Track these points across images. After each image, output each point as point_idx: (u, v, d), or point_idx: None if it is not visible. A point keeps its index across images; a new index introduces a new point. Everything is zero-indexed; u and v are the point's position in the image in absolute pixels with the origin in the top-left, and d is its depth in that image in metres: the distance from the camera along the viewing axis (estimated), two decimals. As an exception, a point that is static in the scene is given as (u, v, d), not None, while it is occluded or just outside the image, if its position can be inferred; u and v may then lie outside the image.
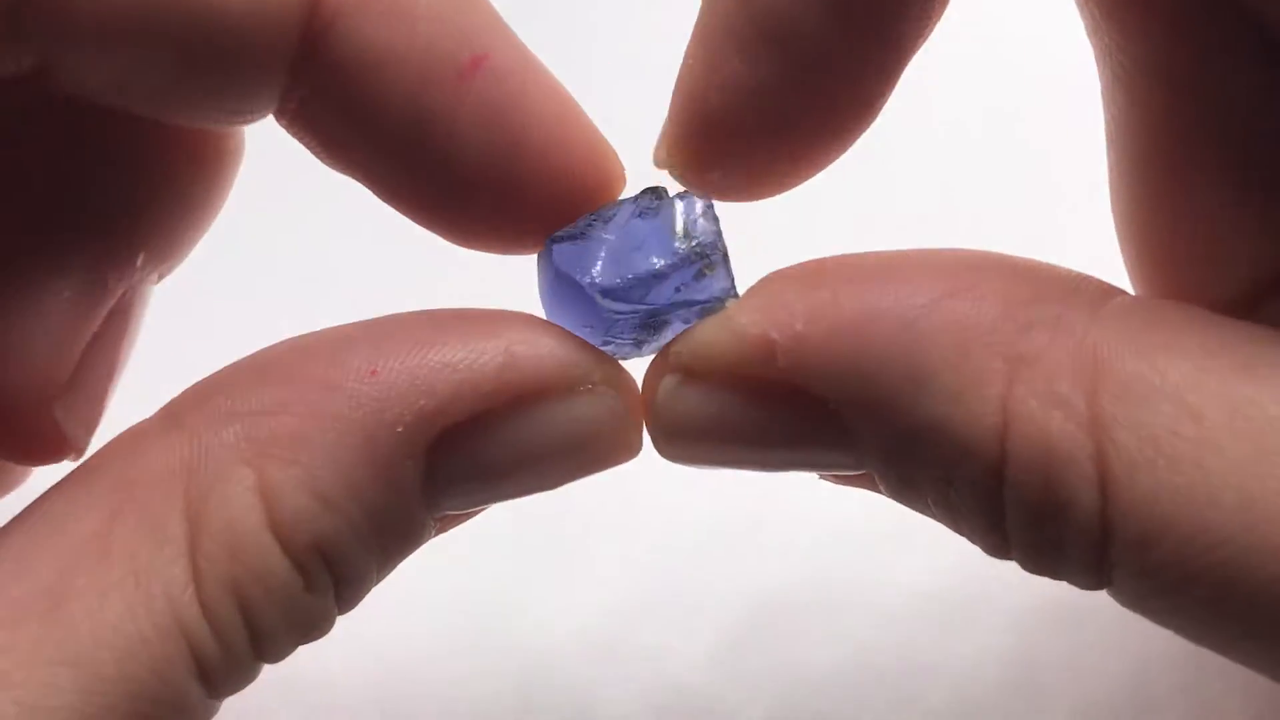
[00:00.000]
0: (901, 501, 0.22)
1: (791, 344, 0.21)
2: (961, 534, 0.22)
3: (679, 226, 0.22)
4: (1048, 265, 0.21)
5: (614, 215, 0.23)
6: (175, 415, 0.22)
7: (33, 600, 0.20)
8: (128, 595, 0.20)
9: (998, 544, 0.21)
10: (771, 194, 0.23)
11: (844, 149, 0.22)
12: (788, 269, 0.22)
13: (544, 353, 0.22)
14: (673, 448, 0.23)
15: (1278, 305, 0.23)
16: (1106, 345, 0.19)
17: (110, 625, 0.20)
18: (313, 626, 0.22)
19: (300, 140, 0.23)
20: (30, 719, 0.19)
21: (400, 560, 0.23)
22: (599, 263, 0.22)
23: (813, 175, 0.23)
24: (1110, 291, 0.21)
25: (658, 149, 0.23)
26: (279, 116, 0.23)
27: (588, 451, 0.23)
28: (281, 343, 0.22)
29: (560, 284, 0.23)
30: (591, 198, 0.23)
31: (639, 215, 0.23)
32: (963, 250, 0.22)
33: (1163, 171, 0.23)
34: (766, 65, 0.21)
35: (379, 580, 0.23)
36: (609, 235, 0.23)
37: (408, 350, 0.21)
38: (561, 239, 0.23)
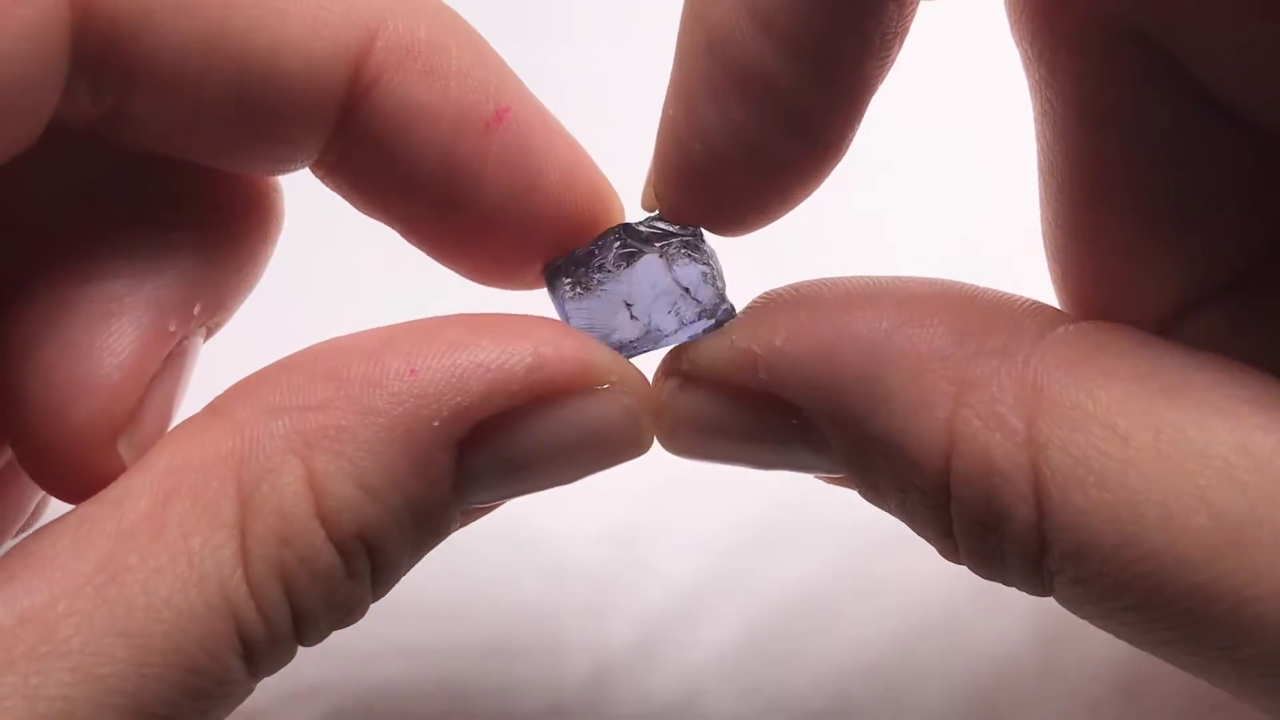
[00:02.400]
0: (872, 502, 0.24)
1: (771, 358, 0.23)
2: (921, 537, 0.23)
3: (686, 285, 0.25)
4: (1001, 295, 0.23)
5: (605, 261, 0.25)
6: (223, 409, 0.23)
7: (91, 574, 0.21)
8: (180, 573, 0.21)
9: (950, 549, 0.23)
10: (754, 229, 0.25)
11: (820, 183, 0.25)
12: (778, 290, 0.24)
13: (568, 355, 0.23)
14: (673, 442, 0.25)
15: (1192, 327, 0.24)
16: (1046, 372, 0.21)
17: (162, 600, 0.21)
18: (349, 611, 0.23)
19: (336, 190, 0.25)
20: (84, 686, 0.20)
21: (428, 550, 0.24)
22: (615, 331, 0.25)
23: (792, 209, 0.25)
24: (1056, 319, 0.23)
25: (645, 193, 0.25)
26: (317, 169, 0.25)
27: (604, 447, 0.24)
28: (323, 343, 0.24)
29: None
30: (596, 229, 0.25)
31: (627, 262, 0.25)
32: (926, 280, 0.24)
33: (1083, 202, 0.25)
34: (740, 112, 0.23)
35: (408, 569, 0.24)
36: (612, 288, 0.25)
37: (444, 351, 0.23)
38: (565, 285, 0.25)
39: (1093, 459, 0.20)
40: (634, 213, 0.26)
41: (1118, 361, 0.21)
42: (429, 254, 0.26)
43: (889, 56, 0.23)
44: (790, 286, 0.24)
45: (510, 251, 0.25)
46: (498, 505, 0.25)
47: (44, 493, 0.27)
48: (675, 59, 0.24)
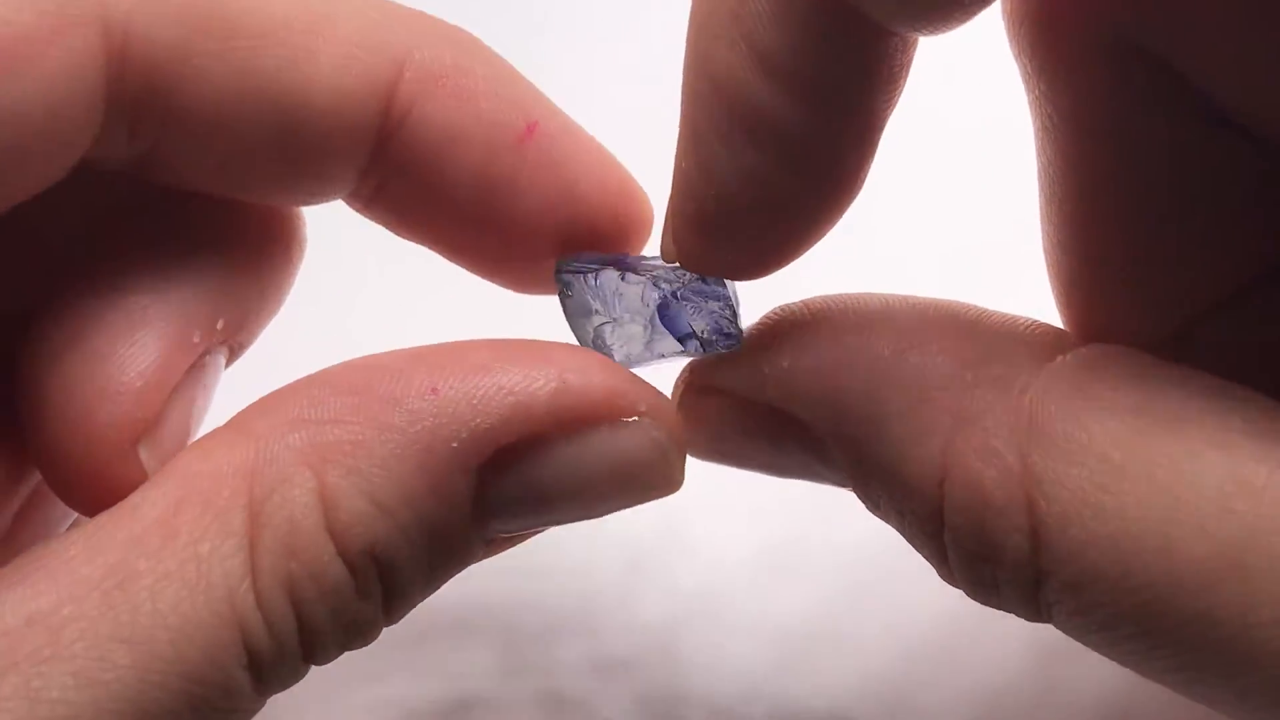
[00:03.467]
0: (877, 516, 0.24)
1: (778, 377, 0.23)
2: (921, 556, 0.23)
3: (699, 330, 0.25)
4: (1006, 318, 0.23)
5: (629, 297, 0.25)
6: (243, 423, 0.23)
7: (99, 579, 0.21)
8: (188, 581, 0.21)
9: (947, 573, 0.23)
10: (772, 271, 0.25)
11: (836, 220, 0.24)
12: (789, 306, 0.24)
13: (594, 382, 0.23)
14: (691, 447, 0.25)
15: (1198, 340, 0.24)
16: (1042, 405, 0.21)
17: (168, 607, 0.21)
18: (358, 632, 0.23)
19: (374, 219, 0.26)
20: (86, 691, 0.20)
21: (447, 578, 0.24)
22: (626, 347, 0.26)
23: (810, 248, 0.24)
24: (1058, 345, 0.22)
25: (664, 245, 0.25)
26: (354, 200, 0.25)
27: (632, 481, 0.24)
28: (349, 361, 0.24)
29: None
30: (630, 235, 0.26)
31: (660, 304, 0.25)
32: (933, 302, 0.24)
33: (1085, 218, 0.25)
34: (752, 158, 0.23)
35: (425, 596, 0.23)
36: (633, 324, 0.25)
37: (467, 372, 0.23)
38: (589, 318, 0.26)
39: (1089, 492, 0.20)
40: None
41: (1113, 393, 0.21)
42: (471, 271, 0.26)
43: (895, 90, 0.23)
44: (801, 303, 0.24)
45: (547, 258, 0.26)
46: (525, 537, 0.25)
47: (72, 516, 0.27)
48: (682, 107, 0.23)
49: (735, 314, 0.25)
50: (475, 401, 0.22)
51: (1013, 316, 0.23)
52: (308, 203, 0.26)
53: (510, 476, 0.23)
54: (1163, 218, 0.24)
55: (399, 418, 0.22)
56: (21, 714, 0.20)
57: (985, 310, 0.23)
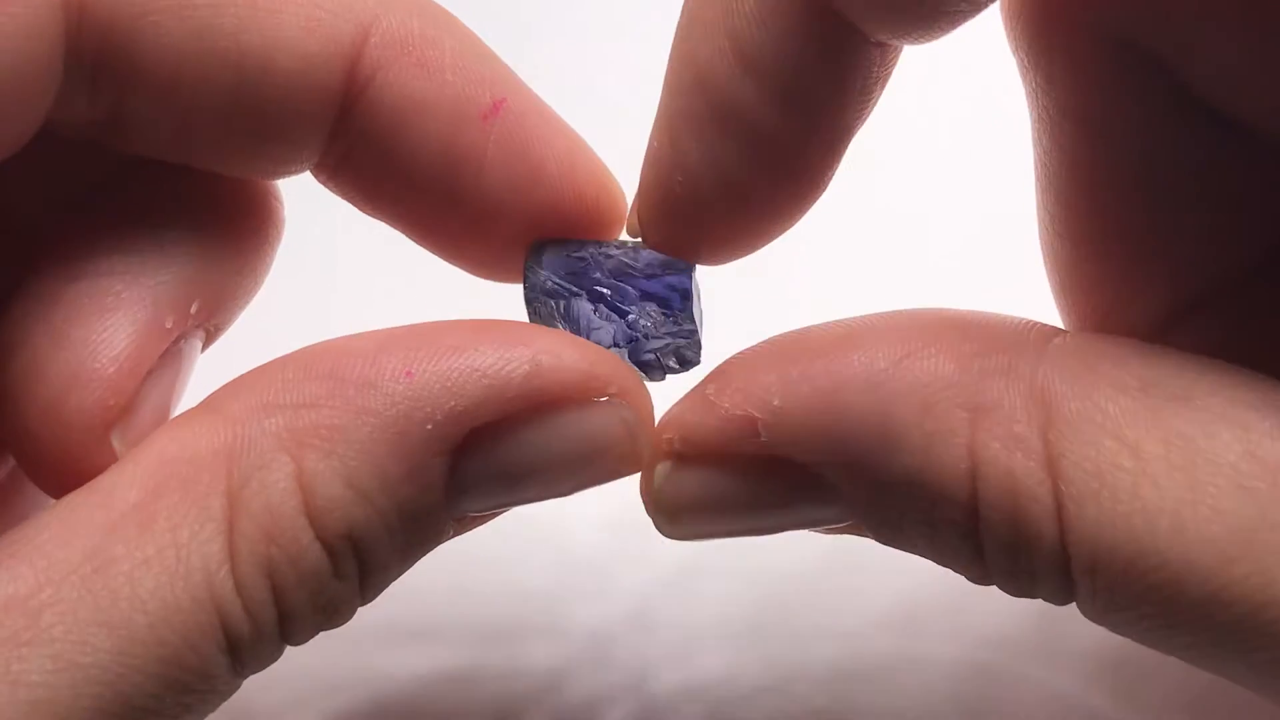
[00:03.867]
0: (890, 545, 0.23)
1: (771, 419, 0.22)
2: (946, 566, 0.23)
3: (664, 361, 0.26)
4: (993, 316, 0.23)
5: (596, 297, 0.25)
6: (217, 404, 0.23)
7: (77, 562, 0.21)
8: (167, 565, 0.21)
9: (980, 574, 0.23)
10: (733, 259, 0.25)
11: (798, 218, 0.25)
12: (757, 347, 0.24)
13: (567, 364, 0.23)
14: (674, 527, 0.24)
15: (1189, 331, 0.24)
16: (1053, 385, 0.21)
17: (148, 592, 0.21)
18: (335, 612, 0.23)
19: (339, 193, 0.25)
20: (65, 674, 0.20)
21: (419, 557, 0.24)
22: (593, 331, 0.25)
23: (771, 241, 0.25)
24: (1052, 333, 0.22)
25: (629, 221, 0.25)
26: (319, 172, 0.25)
27: (600, 461, 0.24)
28: (321, 343, 0.24)
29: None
30: (601, 220, 0.25)
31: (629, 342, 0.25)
32: (914, 311, 0.23)
33: (1080, 208, 0.25)
34: (721, 148, 0.23)
35: (398, 575, 0.24)
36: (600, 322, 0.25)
37: (441, 355, 0.23)
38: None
39: (1105, 472, 0.20)
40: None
41: (1121, 370, 0.21)
42: (434, 251, 0.26)
43: (869, 101, 0.23)
44: (765, 342, 0.24)
45: (514, 244, 0.25)
46: (493, 516, 0.25)
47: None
48: (662, 93, 0.24)
49: (697, 338, 0.25)
50: (449, 384, 0.23)
51: (997, 314, 0.23)
52: (275, 174, 0.25)
53: (482, 456, 0.23)
54: (1155, 207, 0.24)
55: (374, 401, 0.22)
56: (1, 698, 0.20)
57: (968, 310, 0.23)
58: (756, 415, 0.23)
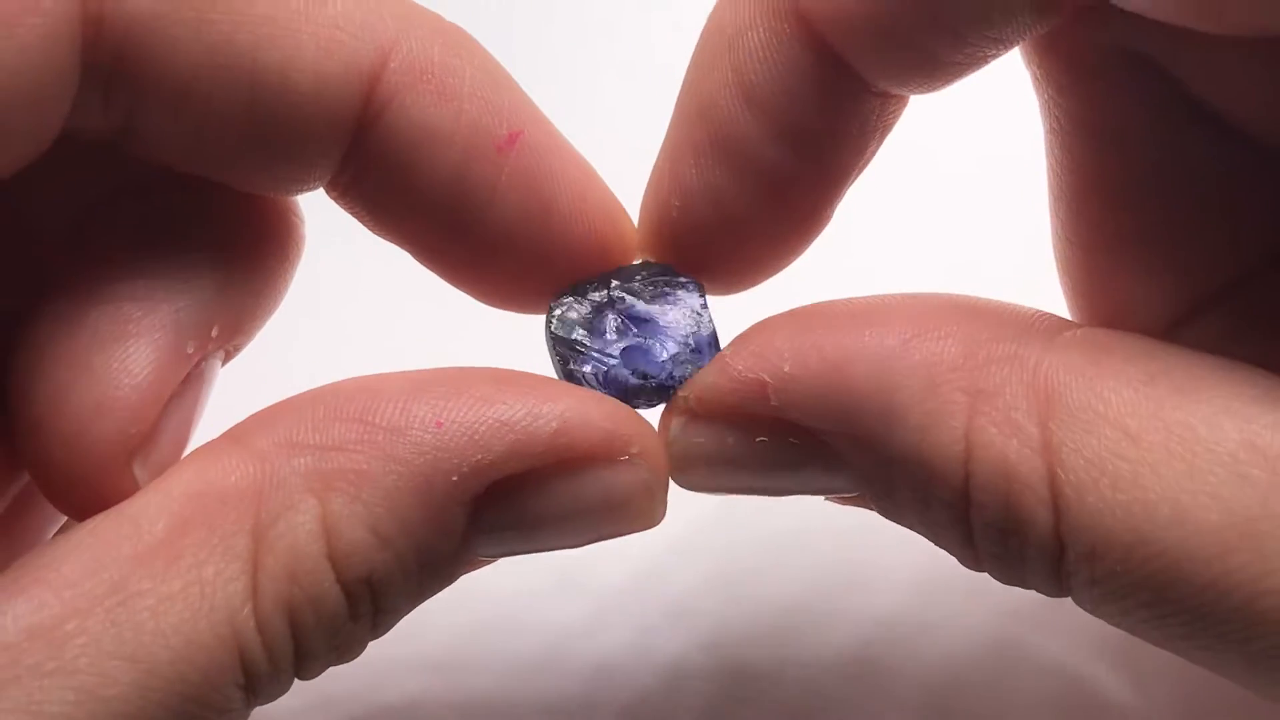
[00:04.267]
0: (891, 519, 0.24)
1: (781, 384, 0.23)
2: (941, 546, 0.24)
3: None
4: (1006, 305, 0.24)
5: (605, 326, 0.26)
6: (244, 438, 0.23)
7: (103, 594, 0.21)
8: (191, 602, 0.21)
9: (971, 558, 0.23)
10: (738, 290, 0.26)
11: (799, 252, 0.25)
12: (777, 316, 0.25)
13: (593, 423, 0.24)
14: (686, 478, 0.25)
15: (1196, 332, 0.25)
16: (1057, 376, 0.22)
17: (171, 627, 0.21)
18: (347, 650, 0.23)
19: (350, 211, 0.25)
20: (86, 706, 0.20)
21: (430, 596, 0.24)
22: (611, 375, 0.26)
23: (772, 275, 0.26)
24: (1062, 325, 0.23)
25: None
26: (330, 189, 0.25)
27: (617, 518, 0.25)
28: (351, 380, 0.24)
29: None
30: (610, 253, 0.26)
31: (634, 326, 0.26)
32: (930, 294, 0.24)
33: (1091, 215, 0.26)
34: (719, 178, 0.24)
35: (408, 612, 0.24)
36: (611, 359, 0.25)
37: (470, 406, 0.23)
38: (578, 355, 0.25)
39: (1106, 461, 0.21)
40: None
41: (1126, 364, 0.22)
42: (441, 276, 0.26)
43: (870, 146, 0.24)
44: (785, 312, 0.25)
45: (522, 275, 0.25)
46: (501, 557, 0.25)
47: (64, 517, 0.27)
48: (671, 119, 0.25)
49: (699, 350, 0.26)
50: (477, 437, 0.23)
51: (1012, 304, 0.24)
52: (287, 190, 0.25)
53: (502, 507, 0.24)
54: (1164, 213, 0.25)
55: (403, 450, 0.23)
56: None
57: (982, 298, 0.24)
58: (768, 380, 0.23)
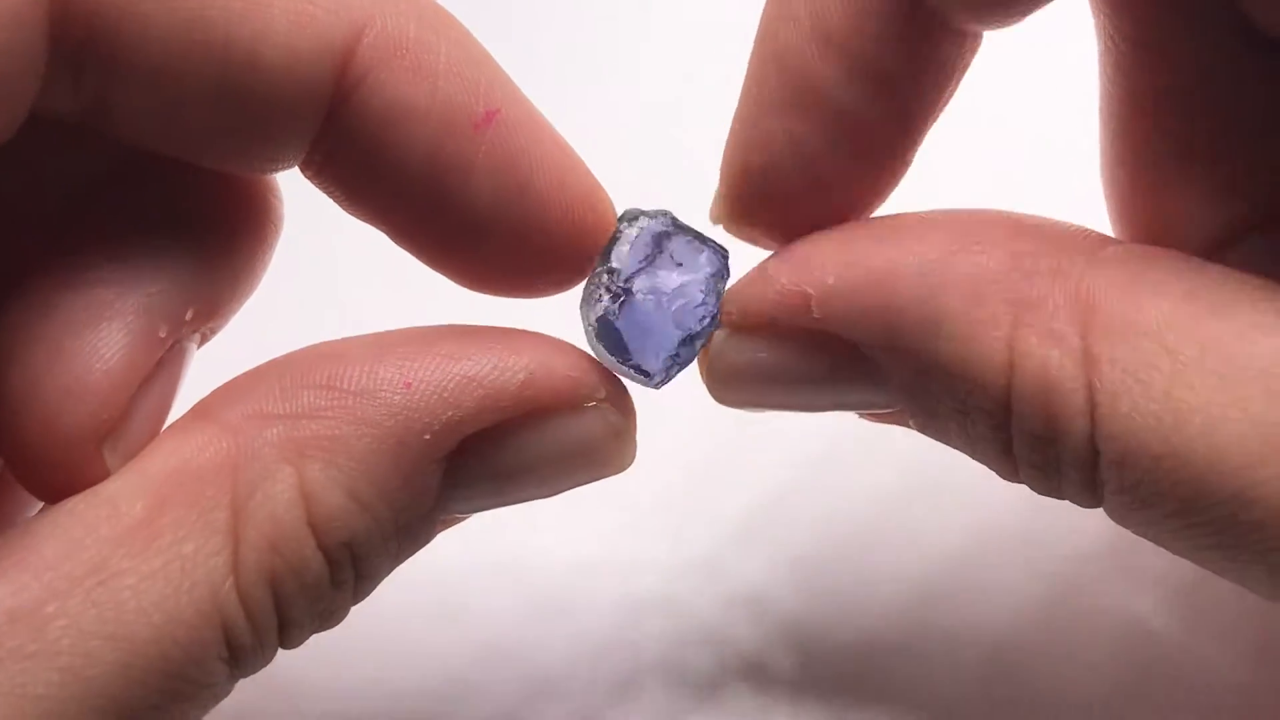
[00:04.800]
0: (928, 434, 0.25)
1: (824, 297, 0.24)
2: (979, 460, 0.24)
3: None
4: (1050, 220, 0.24)
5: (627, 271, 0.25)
6: (212, 412, 0.23)
7: (82, 575, 0.21)
8: (172, 579, 0.21)
9: (1010, 469, 0.23)
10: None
11: (878, 204, 0.25)
12: (820, 232, 0.25)
13: (560, 372, 0.24)
14: (726, 392, 0.25)
15: (1237, 255, 0.25)
16: (1099, 289, 0.22)
17: (152, 605, 0.21)
18: (330, 616, 0.24)
19: (324, 190, 0.25)
20: (70, 687, 0.20)
21: (407, 558, 0.24)
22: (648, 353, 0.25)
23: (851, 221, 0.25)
24: (1105, 241, 0.23)
25: (712, 207, 0.26)
26: (305, 168, 0.24)
27: (589, 461, 0.25)
28: (314, 347, 0.24)
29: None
30: (588, 235, 0.25)
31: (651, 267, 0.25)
32: (974, 210, 0.24)
33: (1139, 134, 0.26)
34: (802, 127, 0.24)
35: (387, 575, 0.24)
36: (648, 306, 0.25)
37: (438, 364, 0.23)
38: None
39: (1141, 371, 0.21)
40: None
41: (1166, 279, 0.22)
42: (418, 258, 0.26)
43: (950, 85, 0.24)
44: (829, 230, 0.25)
45: (500, 257, 0.25)
46: (474, 513, 0.26)
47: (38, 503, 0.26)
48: (746, 74, 0.24)
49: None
50: (447, 394, 0.23)
51: (1054, 220, 0.24)
52: (261, 170, 0.25)
53: (474, 461, 0.24)
54: (1212, 133, 0.25)
55: (373, 412, 0.23)
56: (7, 711, 0.20)
57: (1026, 214, 0.24)
58: (811, 292, 0.24)
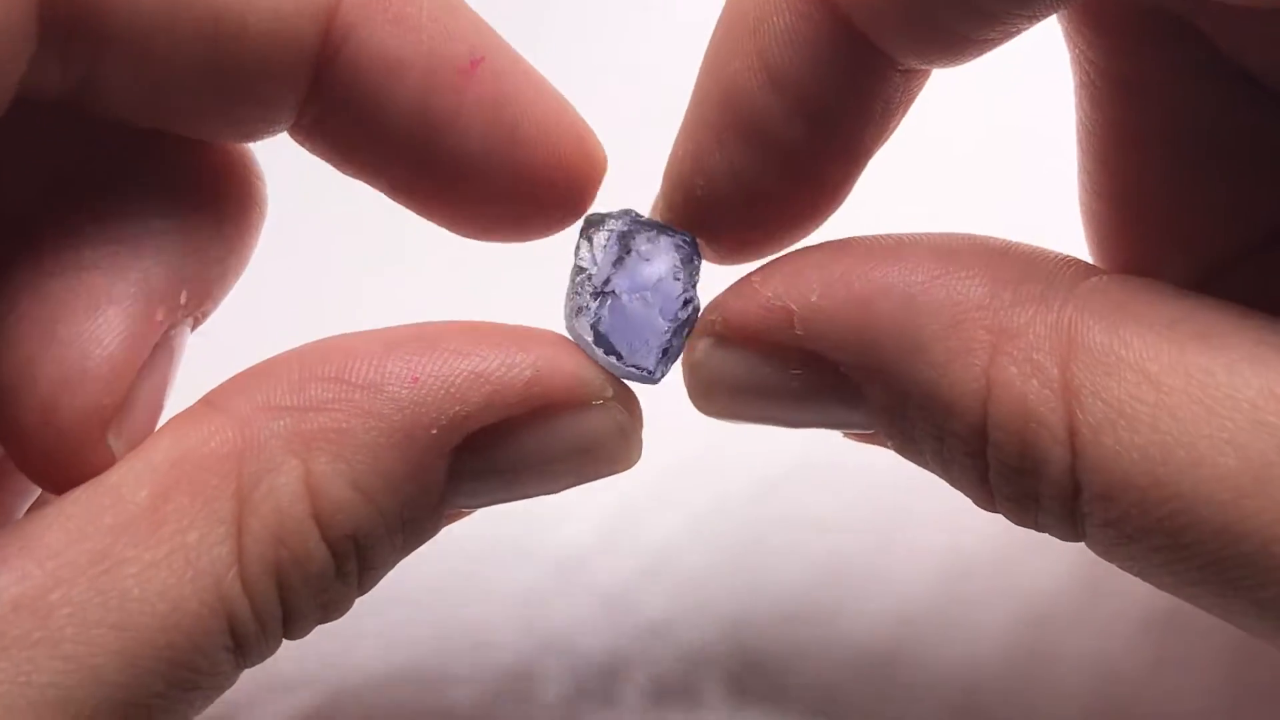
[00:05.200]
0: (906, 456, 0.24)
1: (807, 314, 0.23)
2: (956, 487, 0.24)
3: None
4: (1034, 248, 0.24)
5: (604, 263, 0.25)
6: (221, 403, 0.23)
7: (86, 563, 0.21)
8: (176, 569, 0.21)
9: (986, 498, 0.23)
10: (747, 261, 0.26)
11: (816, 226, 0.26)
12: (807, 247, 0.25)
13: (566, 370, 0.24)
14: (706, 402, 0.25)
15: (1222, 287, 0.25)
16: (1080, 319, 0.22)
17: (156, 594, 0.21)
18: (334, 608, 0.24)
19: (315, 152, 0.25)
20: (75, 675, 0.20)
21: (412, 550, 0.24)
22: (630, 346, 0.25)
23: (786, 248, 0.25)
24: (1089, 270, 0.23)
25: (651, 214, 0.26)
26: (295, 132, 0.25)
27: (594, 458, 0.25)
28: (323, 341, 0.24)
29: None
30: (580, 179, 0.25)
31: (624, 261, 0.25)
32: (959, 234, 0.24)
33: (1118, 168, 0.26)
34: (743, 159, 0.24)
35: (392, 568, 0.24)
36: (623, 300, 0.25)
37: (446, 359, 0.23)
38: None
39: (1125, 403, 0.21)
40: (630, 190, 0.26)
41: (1149, 309, 0.22)
42: (413, 210, 0.26)
43: (895, 119, 0.24)
44: (815, 244, 0.25)
45: (494, 202, 0.25)
46: (480, 507, 0.26)
47: (39, 490, 0.26)
48: (690, 102, 0.25)
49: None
50: (454, 390, 0.23)
51: (1039, 248, 0.24)
52: (251, 136, 0.25)
53: (480, 456, 0.24)
54: (1189, 168, 0.25)
55: (381, 405, 0.23)
56: (13, 699, 0.20)
57: (1013, 241, 0.24)
58: (794, 308, 0.23)
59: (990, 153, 0.39)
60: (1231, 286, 0.25)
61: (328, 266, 0.37)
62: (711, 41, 0.24)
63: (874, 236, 0.24)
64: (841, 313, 0.23)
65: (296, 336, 0.25)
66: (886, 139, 0.25)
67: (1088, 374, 0.21)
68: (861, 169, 0.25)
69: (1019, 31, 0.22)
